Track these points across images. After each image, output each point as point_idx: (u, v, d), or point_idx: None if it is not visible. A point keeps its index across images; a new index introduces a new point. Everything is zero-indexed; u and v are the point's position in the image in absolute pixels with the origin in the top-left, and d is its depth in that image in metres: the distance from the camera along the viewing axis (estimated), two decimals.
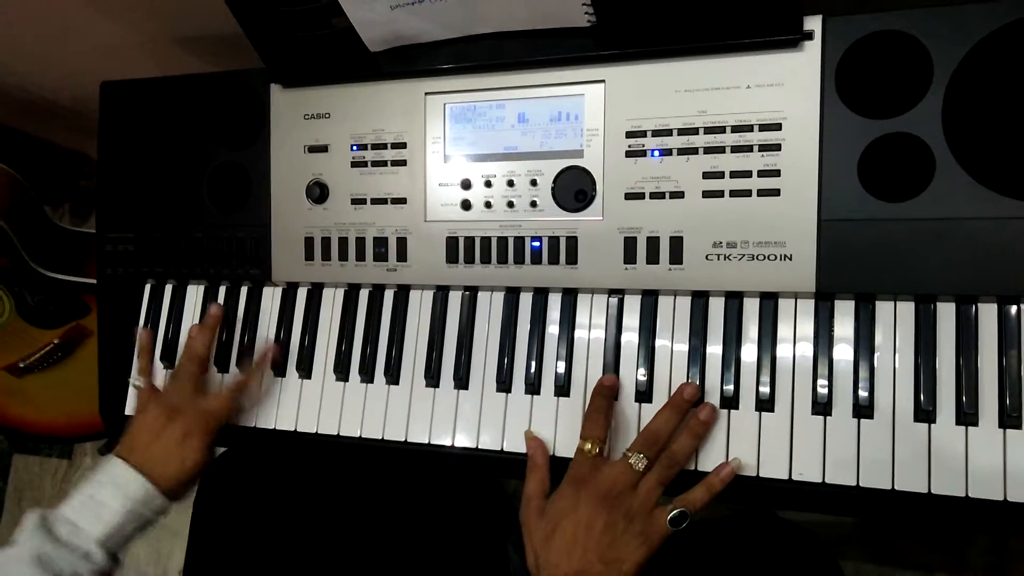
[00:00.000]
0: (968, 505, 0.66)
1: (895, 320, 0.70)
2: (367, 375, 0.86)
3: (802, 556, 0.82)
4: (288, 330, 0.91)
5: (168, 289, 0.97)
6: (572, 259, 0.78)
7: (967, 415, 0.66)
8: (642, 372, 0.76)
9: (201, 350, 0.88)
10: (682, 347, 0.76)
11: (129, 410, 0.96)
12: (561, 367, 0.79)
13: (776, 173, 0.71)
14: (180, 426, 0.82)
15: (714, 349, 0.75)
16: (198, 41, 1.07)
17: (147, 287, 0.98)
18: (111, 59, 1.14)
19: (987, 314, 0.68)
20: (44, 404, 1.44)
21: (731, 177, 0.72)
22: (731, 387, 0.73)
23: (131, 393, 0.95)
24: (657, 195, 0.75)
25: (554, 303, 0.81)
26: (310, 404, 0.88)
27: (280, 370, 0.90)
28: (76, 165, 1.72)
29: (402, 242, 0.84)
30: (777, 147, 0.71)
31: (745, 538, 0.85)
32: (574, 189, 0.78)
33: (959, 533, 1.16)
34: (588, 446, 0.72)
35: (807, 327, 0.72)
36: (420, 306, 0.86)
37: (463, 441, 0.82)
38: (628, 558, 0.67)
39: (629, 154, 0.76)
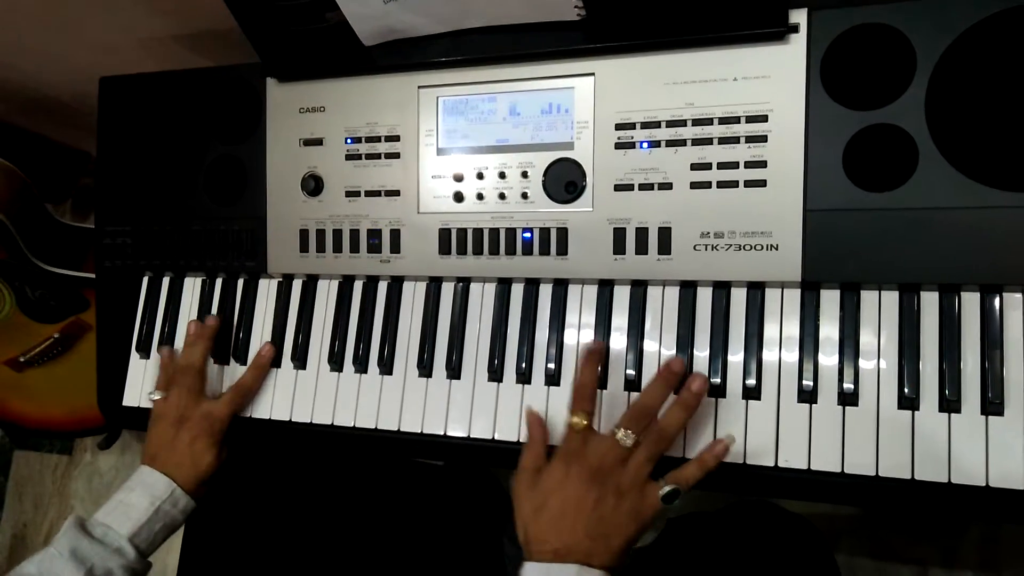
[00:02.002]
0: (951, 491, 0.67)
1: (880, 309, 0.71)
2: (361, 365, 0.87)
3: (796, 544, 0.83)
4: (283, 321, 0.92)
5: (166, 282, 0.98)
6: (563, 250, 0.79)
7: (950, 402, 0.67)
8: (631, 362, 0.77)
9: (198, 361, 0.90)
10: (670, 336, 0.77)
11: (128, 402, 0.97)
12: (552, 357, 0.80)
13: (763, 164, 0.72)
14: (187, 433, 0.87)
15: (702, 338, 0.76)
16: (196, 37, 1.08)
17: (145, 280, 0.99)
18: (111, 56, 1.15)
19: (970, 303, 0.69)
20: (44, 398, 1.45)
21: (718, 168, 0.73)
22: (718, 376, 0.74)
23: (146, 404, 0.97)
24: (646, 186, 0.76)
25: (545, 294, 0.82)
26: (305, 394, 0.89)
27: (275, 361, 0.91)
28: (78, 162, 1.73)
29: (395, 234, 0.85)
30: (763, 139, 0.72)
31: (740, 526, 0.86)
32: (564, 181, 0.79)
33: (952, 526, 1.17)
34: (576, 419, 0.71)
35: (793, 316, 0.73)
36: (413, 297, 0.87)
37: (455, 430, 0.83)
38: (618, 534, 0.67)
39: (618, 146, 0.77)
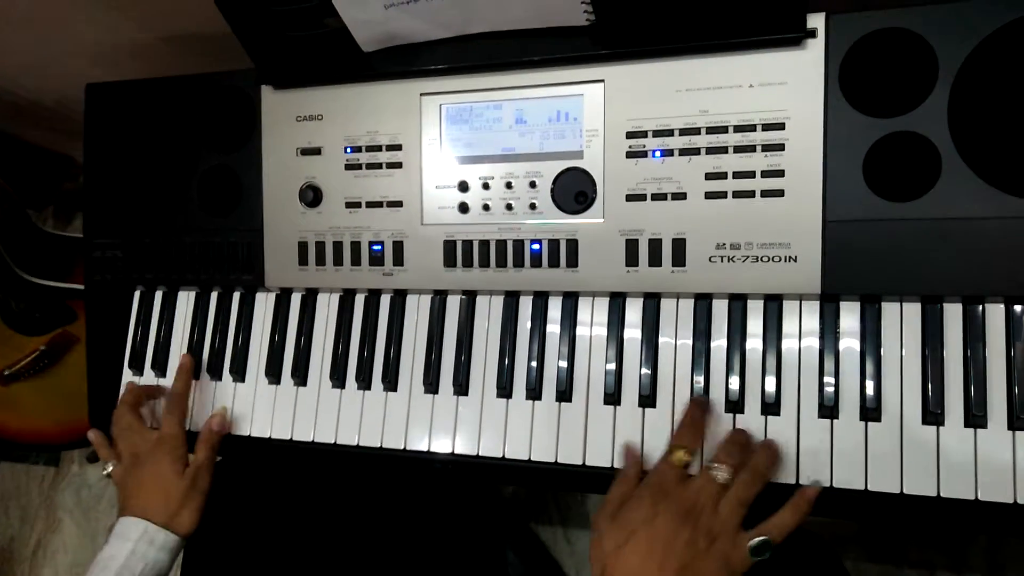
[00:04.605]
0: (978, 508, 0.65)
1: (901, 321, 0.69)
2: (364, 382, 0.84)
3: (808, 558, 0.82)
4: (283, 337, 0.89)
5: (158, 296, 0.95)
6: (573, 262, 0.77)
7: (976, 417, 0.66)
8: (645, 377, 0.75)
9: (131, 402, 0.89)
10: (686, 351, 0.75)
11: None
12: (563, 372, 0.78)
13: (780, 173, 0.70)
14: (150, 466, 0.84)
15: (718, 352, 0.74)
16: (185, 41, 1.04)
17: (136, 294, 0.96)
18: (96, 60, 1.12)
19: (994, 314, 0.67)
20: (31, 412, 1.42)
21: (734, 178, 0.71)
22: (736, 391, 0.72)
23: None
24: (659, 196, 0.74)
25: (554, 307, 0.79)
26: (306, 412, 0.86)
27: (275, 378, 0.88)
28: (60, 167, 1.69)
29: (398, 246, 0.82)
30: (781, 147, 0.70)
31: None
32: (574, 191, 0.77)
33: (960, 532, 1.16)
34: (679, 455, 0.68)
35: (812, 329, 0.71)
36: (417, 311, 0.84)
37: (463, 448, 0.80)
38: None
39: (630, 155, 0.74)
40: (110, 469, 0.88)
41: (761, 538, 0.64)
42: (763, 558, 0.64)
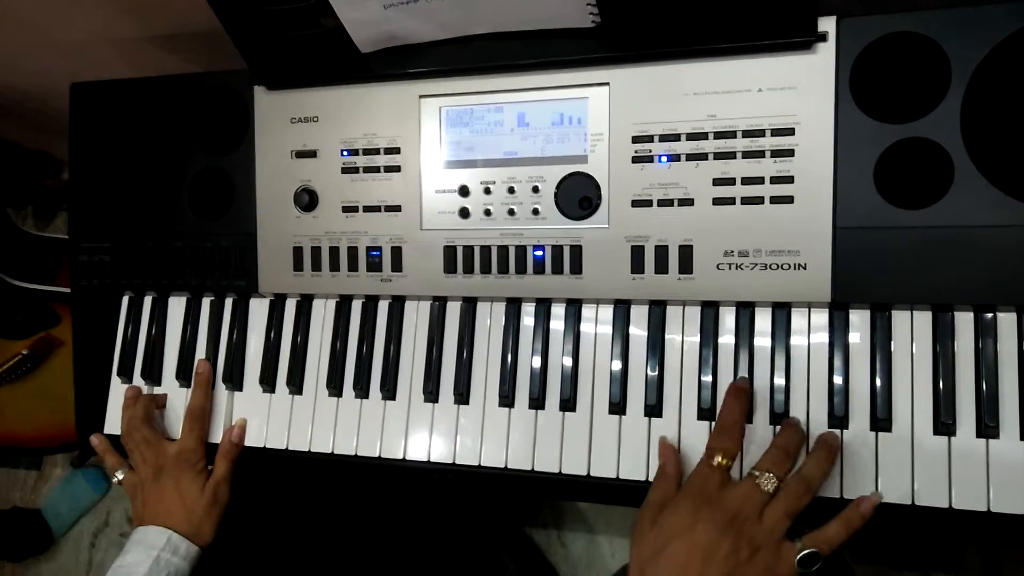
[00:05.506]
0: (990, 519, 0.64)
1: (912, 330, 0.68)
2: (362, 390, 0.83)
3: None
4: (277, 344, 0.87)
5: (147, 301, 0.92)
6: (577, 269, 0.75)
7: (988, 428, 0.65)
8: (651, 386, 0.74)
9: (143, 415, 0.87)
10: (692, 359, 0.74)
11: (111, 429, 0.92)
12: (566, 381, 0.76)
13: (789, 179, 0.69)
14: (170, 479, 0.84)
15: (725, 361, 0.73)
16: (175, 39, 1.02)
17: (125, 299, 0.93)
18: (79, 57, 1.09)
19: (1007, 324, 0.66)
20: (13, 416, 1.38)
21: (743, 183, 0.70)
22: None
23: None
24: (665, 202, 0.72)
25: (558, 314, 0.78)
26: (302, 421, 0.84)
27: (270, 386, 0.86)
28: (40, 165, 1.65)
29: (397, 251, 0.80)
30: (790, 152, 0.69)
31: None
32: (578, 196, 0.75)
33: (970, 541, 1.16)
34: (719, 459, 0.65)
35: (822, 338, 0.71)
36: (417, 318, 0.82)
37: (464, 458, 0.79)
38: None
39: (636, 159, 0.73)
40: (120, 477, 0.88)
41: (809, 551, 0.62)
42: (810, 572, 0.62)
